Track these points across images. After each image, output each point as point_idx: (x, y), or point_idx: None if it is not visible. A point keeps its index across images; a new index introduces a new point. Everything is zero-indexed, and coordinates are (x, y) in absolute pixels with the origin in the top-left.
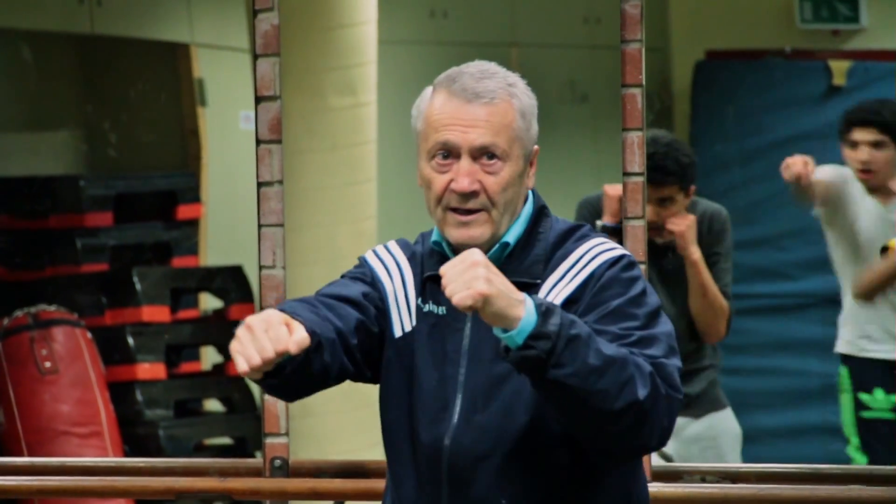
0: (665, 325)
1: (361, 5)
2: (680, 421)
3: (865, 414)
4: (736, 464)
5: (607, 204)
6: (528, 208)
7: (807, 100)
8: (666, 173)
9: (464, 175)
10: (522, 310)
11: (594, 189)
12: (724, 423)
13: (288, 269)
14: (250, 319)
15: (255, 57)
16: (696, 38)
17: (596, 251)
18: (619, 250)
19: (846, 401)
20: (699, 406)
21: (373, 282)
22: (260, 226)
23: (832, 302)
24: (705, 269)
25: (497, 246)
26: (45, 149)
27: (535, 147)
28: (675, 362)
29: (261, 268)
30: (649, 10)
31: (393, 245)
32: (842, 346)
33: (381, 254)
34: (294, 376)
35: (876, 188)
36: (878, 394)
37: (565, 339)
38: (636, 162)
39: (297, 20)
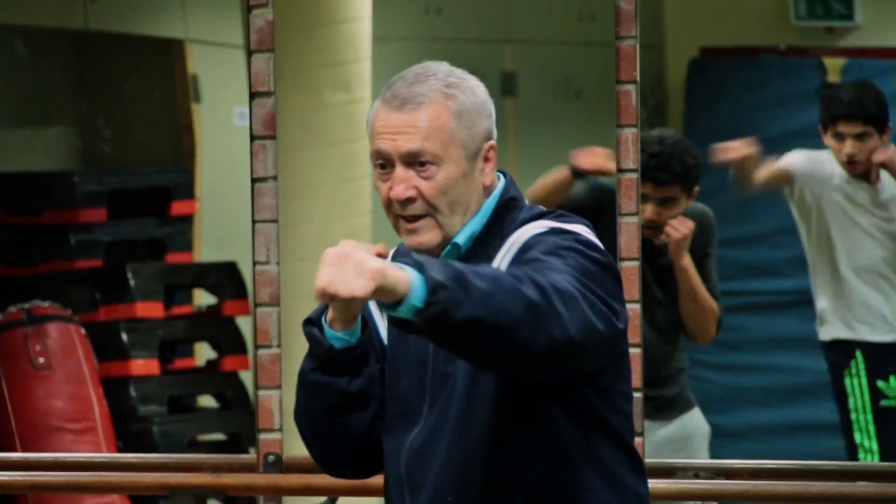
0: (575, 276)
1: (356, 1)
2: (652, 424)
3: (884, 403)
4: (729, 460)
5: (547, 185)
6: (489, 204)
7: (801, 97)
8: (670, 174)
9: (398, 183)
10: (403, 273)
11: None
12: (694, 423)
13: (282, 264)
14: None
15: (250, 53)
16: (690, 34)
17: (538, 226)
18: (569, 226)
19: (857, 385)
20: (673, 409)
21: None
22: (254, 221)
23: None
24: (695, 274)
25: (449, 247)
26: (38, 144)
27: (489, 143)
28: (573, 287)
29: (255, 263)
30: (644, 7)
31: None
32: (842, 332)
33: None
34: (352, 368)
35: (860, 175)
36: (893, 381)
37: (453, 279)
38: (630, 158)
39: (291, 16)
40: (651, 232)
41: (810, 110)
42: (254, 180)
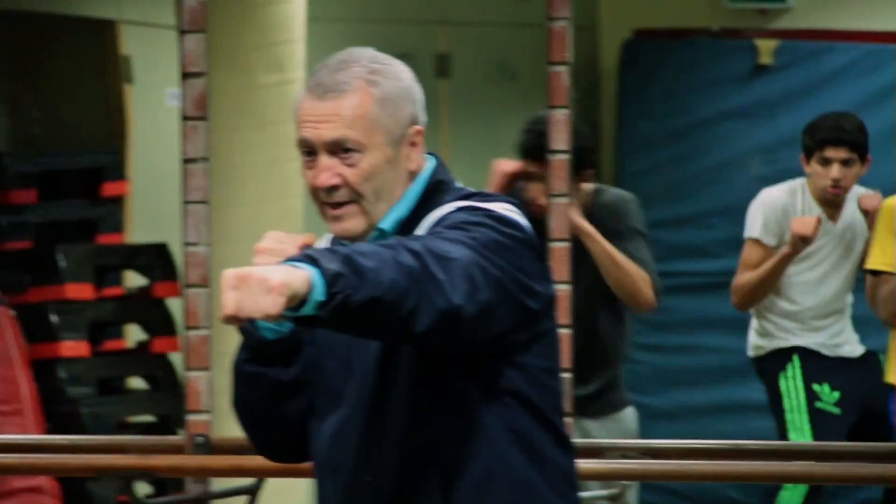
0: (473, 247)
1: None
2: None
3: (818, 405)
4: (657, 440)
5: (492, 179)
6: (415, 188)
7: (733, 79)
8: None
9: (322, 170)
10: (303, 272)
11: None
12: (620, 426)
13: (213, 246)
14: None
15: (182, 33)
16: (624, 16)
17: (453, 205)
18: (485, 203)
19: (793, 387)
20: (594, 406)
21: None
22: (185, 202)
23: None
24: (602, 239)
25: (375, 233)
26: None
27: (414, 128)
28: (465, 255)
29: (185, 245)
30: None
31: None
32: (779, 343)
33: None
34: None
35: (829, 203)
36: (826, 388)
37: (345, 264)
38: (562, 140)
39: None
40: (542, 210)
41: (742, 92)
42: (185, 161)
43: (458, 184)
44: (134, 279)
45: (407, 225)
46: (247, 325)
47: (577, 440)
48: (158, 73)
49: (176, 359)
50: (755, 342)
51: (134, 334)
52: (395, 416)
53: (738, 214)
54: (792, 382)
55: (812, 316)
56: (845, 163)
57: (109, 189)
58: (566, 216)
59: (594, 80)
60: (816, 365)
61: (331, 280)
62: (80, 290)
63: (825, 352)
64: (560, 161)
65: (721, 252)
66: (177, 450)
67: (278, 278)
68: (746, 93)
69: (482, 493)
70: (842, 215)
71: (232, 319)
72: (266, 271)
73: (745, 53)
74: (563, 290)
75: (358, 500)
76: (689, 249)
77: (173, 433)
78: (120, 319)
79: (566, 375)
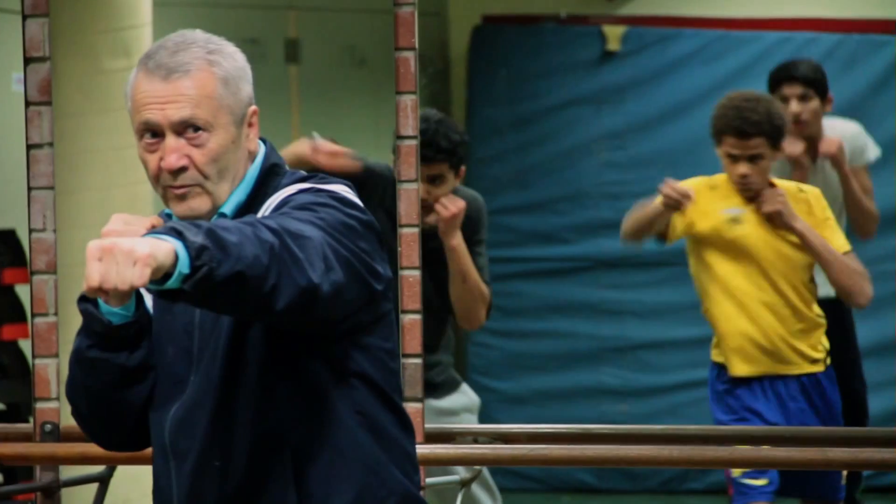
0: (323, 227)
1: None
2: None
3: None
4: (508, 425)
5: (288, 157)
6: (252, 171)
7: (581, 65)
8: (437, 150)
9: (170, 152)
10: (167, 244)
11: (373, 154)
12: (463, 399)
13: (59, 232)
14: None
15: (24, 17)
16: (472, 2)
17: (294, 188)
18: (326, 185)
19: None
20: (440, 391)
21: None
22: (30, 188)
23: (606, 265)
24: (466, 255)
25: (216, 216)
26: None
27: (252, 108)
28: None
29: (31, 231)
30: None
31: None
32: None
33: None
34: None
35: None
36: None
37: (208, 237)
38: (409, 125)
39: None
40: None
41: (590, 78)
42: (29, 147)
43: (287, 167)
44: None
45: (246, 209)
46: (91, 310)
47: (429, 426)
48: (3, 57)
49: (25, 346)
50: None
51: None
52: (245, 400)
53: (586, 200)
54: None
55: None
56: (803, 98)
57: None
58: (415, 202)
59: (443, 66)
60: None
61: (195, 253)
62: None
63: None
64: (408, 147)
65: (570, 237)
66: (25, 438)
67: (144, 250)
68: (594, 79)
69: (332, 474)
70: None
71: (96, 291)
72: (131, 243)
73: (592, 39)
74: (414, 275)
75: (206, 485)
76: (537, 235)
77: (24, 421)
78: None
79: (416, 361)
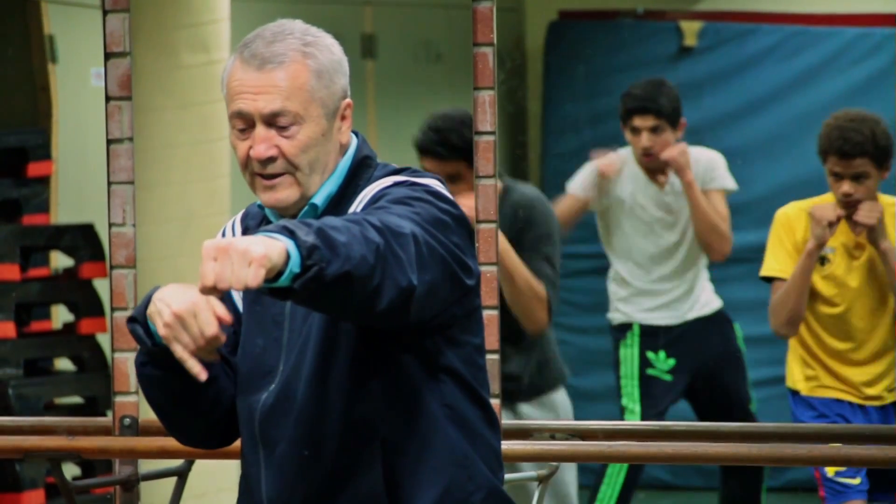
0: (419, 223)
1: None
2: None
3: (650, 371)
4: (585, 421)
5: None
6: (344, 163)
7: (658, 60)
8: (450, 148)
9: (259, 142)
10: (280, 244)
11: None
12: (548, 408)
13: (138, 227)
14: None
15: (105, 13)
16: None
17: (388, 180)
18: (420, 179)
19: (630, 355)
20: (525, 388)
21: None
22: (109, 183)
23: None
24: (513, 256)
25: (307, 207)
26: None
27: (346, 101)
28: (409, 227)
29: (110, 226)
30: None
31: (238, 217)
32: (624, 318)
33: (226, 231)
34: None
35: (654, 170)
36: (662, 355)
37: (318, 237)
38: (487, 121)
39: None
40: None
41: (667, 74)
42: (109, 142)
43: (379, 160)
44: (60, 260)
45: (337, 201)
46: (138, 332)
47: (507, 421)
48: (83, 52)
49: (103, 340)
50: (608, 314)
51: (61, 315)
52: (336, 392)
53: None
54: (629, 350)
55: (649, 284)
56: (654, 130)
57: (35, 169)
58: (493, 198)
59: (520, 62)
60: (655, 335)
61: (306, 253)
62: (5, 271)
63: (668, 322)
64: (486, 143)
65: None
66: (104, 431)
67: (260, 250)
68: (671, 75)
69: (421, 466)
70: (669, 181)
71: (211, 290)
72: (247, 242)
73: (669, 35)
74: (491, 271)
75: (294, 474)
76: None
77: (101, 414)
78: (46, 300)
79: (494, 357)
